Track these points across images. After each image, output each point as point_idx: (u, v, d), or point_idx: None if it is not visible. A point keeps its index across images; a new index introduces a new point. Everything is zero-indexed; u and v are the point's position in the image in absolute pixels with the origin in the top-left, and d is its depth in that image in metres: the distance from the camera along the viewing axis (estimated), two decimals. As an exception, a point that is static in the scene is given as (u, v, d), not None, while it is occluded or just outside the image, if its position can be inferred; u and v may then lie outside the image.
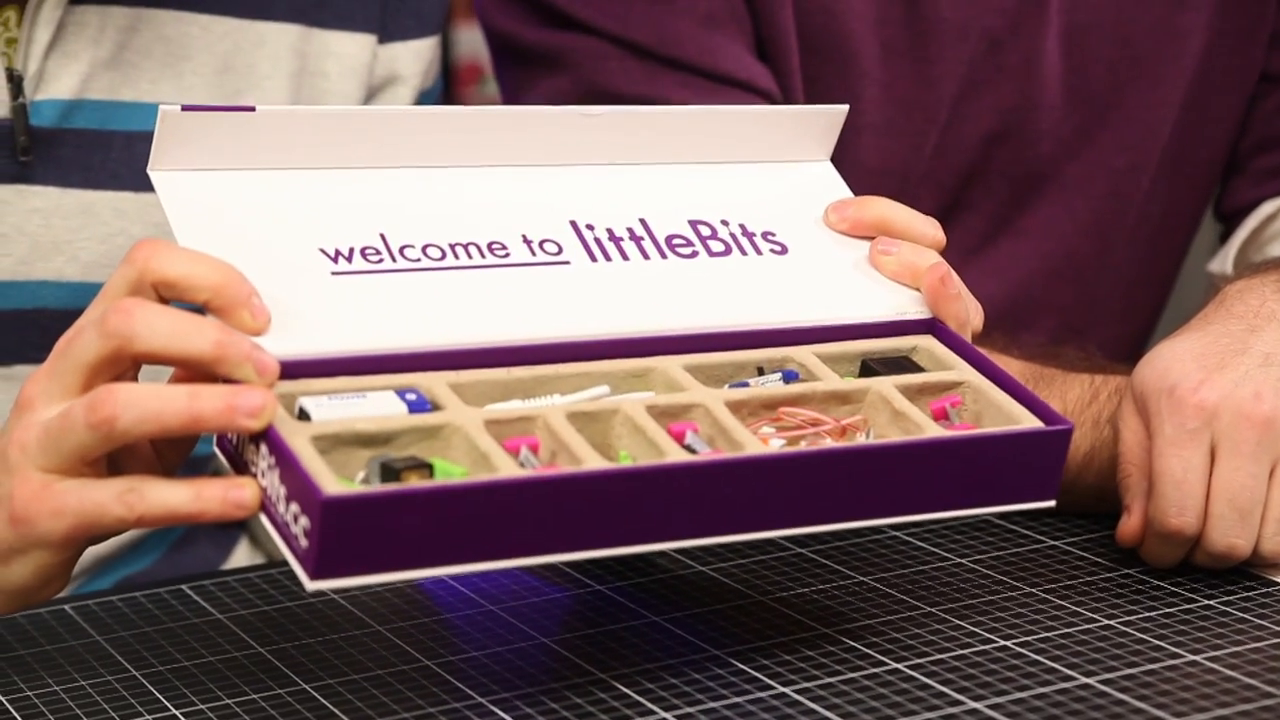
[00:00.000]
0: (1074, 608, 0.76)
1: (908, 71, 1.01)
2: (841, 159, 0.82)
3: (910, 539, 0.84)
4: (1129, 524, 0.80)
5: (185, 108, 0.68)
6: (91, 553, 0.92)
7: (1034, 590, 0.78)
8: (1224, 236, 1.11)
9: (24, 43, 0.85)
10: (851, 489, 0.67)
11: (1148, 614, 0.75)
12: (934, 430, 0.69)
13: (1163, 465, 0.77)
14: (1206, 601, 0.76)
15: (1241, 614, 0.75)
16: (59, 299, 0.88)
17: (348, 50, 0.95)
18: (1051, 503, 0.70)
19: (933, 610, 0.76)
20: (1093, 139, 1.05)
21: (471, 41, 2.24)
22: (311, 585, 0.60)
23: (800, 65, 1.00)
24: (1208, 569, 0.79)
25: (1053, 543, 0.84)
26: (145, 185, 0.68)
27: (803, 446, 0.68)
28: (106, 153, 0.88)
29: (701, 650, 0.72)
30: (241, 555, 1.01)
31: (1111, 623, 0.74)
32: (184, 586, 0.80)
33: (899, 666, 0.70)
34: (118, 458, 0.67)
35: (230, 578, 0.80)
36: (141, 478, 0.64)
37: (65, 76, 0.87)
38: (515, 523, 0.62)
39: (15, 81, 0.85)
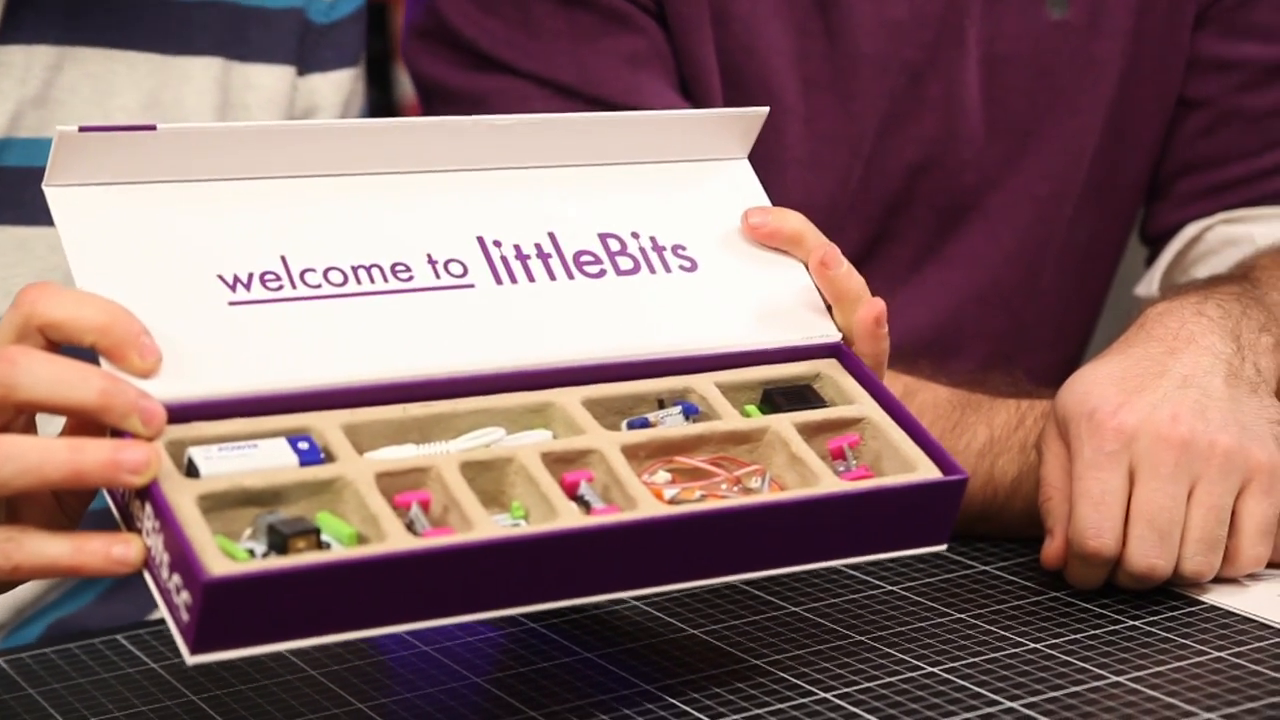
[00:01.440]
0: (1001, 632, 0.77)
1: (830, 105, 1.02)
2: (768, 193, 0.82)
3: (842, 568, 0.85)
4: (1051, 547, 0.81)
5: (83, 128, 0.67)
6: (20, 598, 0.92)
7: (963, 615, 0.79)
8: (1150, 260, 1.13)
9: None
10: (743, 543, 0.67)
11: (1074, 636, 0.76)
12: (829, 479, 0.69)
13: (1082, 488, 0.78)
14: (1131, 622, 0.77)
15: (1165, 634, 0.76)
16: None
17: (267, 83, 0.96)
18: (943, 546, 0.71)
19: (862, 639, 0.77)
20: (1015, 168, 1.06)
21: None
22: (191, 660, 0.60)
23: (724, 102, 1.01)
24: (1131, 590, 0.80)
25: (982, 568, 0.85)
26: None
27: (697, 497, 0.68)
28: (37, 189, 0.88)
29: (633, 685, 0.73)
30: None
31: (1038, 646, 0.75)
32: (118, 636, 0.80)
33: (828, 697, 0.71)
34: (15, 503, 0.66)
35: (164, 626, 0.80)
36: (22, 528, 0.64)
37: None
38: (400, 592, 0.62)
39: None
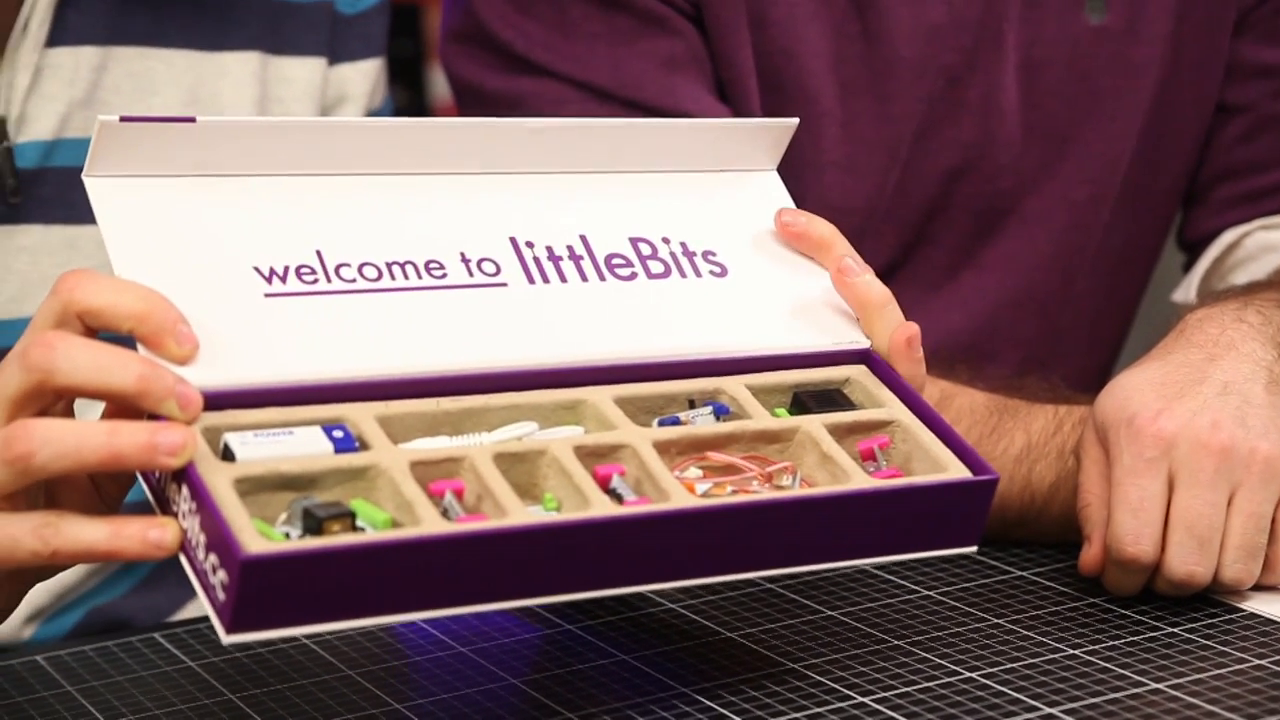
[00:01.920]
0: (1039, 637, 0.77)
1: (867, 109, 1.02)
2: (804, 197, 0.82)
3: (878, 572, 0.85)
4: (1089, 553, 0.80)
5: (124, 118, 0.67)
6: (61, 584, 0.92)
7: (1000, 621, 0.79)
8: (1187, 266, 1.13)
9: (5, 87, 0.87)
10: (775, 538, 0.67)
11: (1112, 642, 0.76)
12: (860, 477, 0.69)
13: (1120, 494, 0.78)
14: (1170, 629, 0.77)
15: (1205, 640, 0.76)
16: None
17: (301, 75, 0.97)
18: (974, 548, 0.71)
19: (900, 643, 0.76)
20: (1053, 172, 1.06)
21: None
22: (227, 639, 0.60)
23: (761, 105, 1.01)
24: (1170, 596, 0.80)
25: (1020, 573, 0.84)
26: None
27: (728, 493, 0.68)
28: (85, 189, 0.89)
29: (670, 688, 0.73)
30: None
31: (1076, 652, 0.75)
32: (156, 634, 0.80)
33: (866, 701, 0.71)
34: (55, 491, 0.67)
35: (202, 624, 0.81)
36: (60, 513, 0.64)
37: (44, 117, 0.89)
38: (433, 577, 0.62)
39: (0, 126, 0.87)
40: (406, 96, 2.14)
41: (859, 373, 0.74)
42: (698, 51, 1.00)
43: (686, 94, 0.99)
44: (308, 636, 0.78)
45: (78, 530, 0.63)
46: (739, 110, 1.01)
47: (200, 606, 0.98)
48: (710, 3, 0.99)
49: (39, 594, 0.69)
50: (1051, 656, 0.74)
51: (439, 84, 2.31)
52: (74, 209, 0.89)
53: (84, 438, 0.62)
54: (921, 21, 1.01)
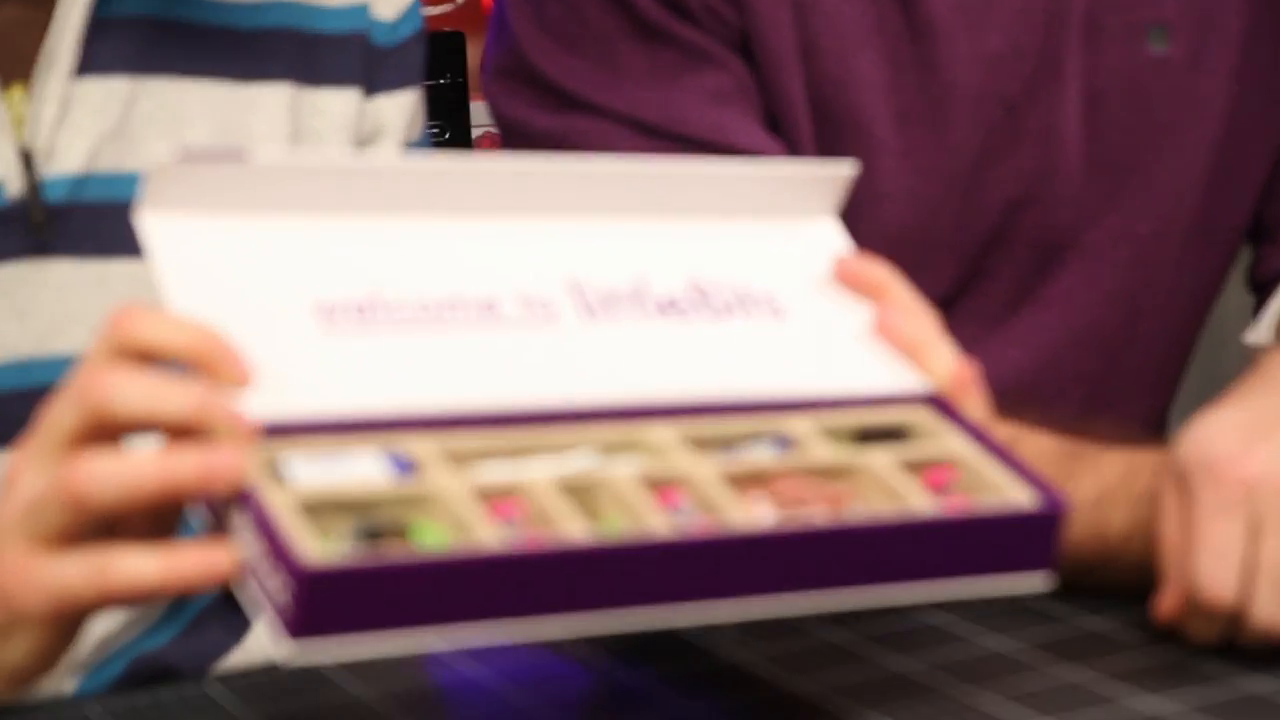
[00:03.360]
0: (1109, 694, 0.74)
1: (924, 139, 1.00)
2: (861, 228, 0.81)
3: (943, 624, 0.82)
4: (1167, 600, 0.78)
5: (176, 153, 0.67)
6: (100, 635, 0.91)
7: (1074, 672, 0.76)
8: (1258, 306, 1.10)
9: (32, 119, 0.86)
10: (840, 564, 0.66)
11: (1186, 697, 0.73)
12: (926, 506, 0.68)
13: (1201, 538, 0.76)
14: (1248, 687, 0.75)
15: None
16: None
17: (336, 107, 0.96)
18: (1049, 582, 0.69)
19: (968, 699, 0.74)
20: (1115, 206, 1.04)
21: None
22: (290, 655, 0.59)
23: (814, 136, 0.99)
24: (1254, 650, 0.77)
25: (1092, 625, 0.82)
26: None
27: (792, 521, 0.67)
28: (116, 222, 0.88)
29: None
30: (258, 635, 1.00)
31: (1159, 710, 0.72)
32: (205, 683, 0.78)
33: (938, 760, 0.68)
34: (114, 527, 0.66)
35: (253, 673, 0.79)
36: (111, 552, 0.63)
37: (73, 151, 0.88)
38: (497, 593, 0.61)
39: (27, 158, 0.86)
40: (450, 128, 2.14)
41: (924, 414, 0.73)
42: (745, 84, 0.98)
43: (736, 127, 0.97)
44: (357, 683, 0.77)
45: (132, 569, 0.63)
46: (790, 141, 0.99)
47: (246, 652, 0.97)
48: (758, 34, 0.98)
49: (79, 647, 0.68)
50: (1133, 710, 0.72)
51: (480, 115, 2.30)
52: (104, 243, 0.88)
53: (140, 469, 0.62)
54: (980, 49, 0.99)
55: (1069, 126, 1.02)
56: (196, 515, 0.66)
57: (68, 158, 0.87)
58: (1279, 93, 1.05)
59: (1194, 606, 0.77)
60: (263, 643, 0.99)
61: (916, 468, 0.71)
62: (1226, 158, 1.05)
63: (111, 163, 0.88)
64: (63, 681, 0.90)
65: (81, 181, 0.88)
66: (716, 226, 0.77)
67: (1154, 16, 1.02)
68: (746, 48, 0.98)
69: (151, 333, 0.64)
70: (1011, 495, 0.69)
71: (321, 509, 0.63)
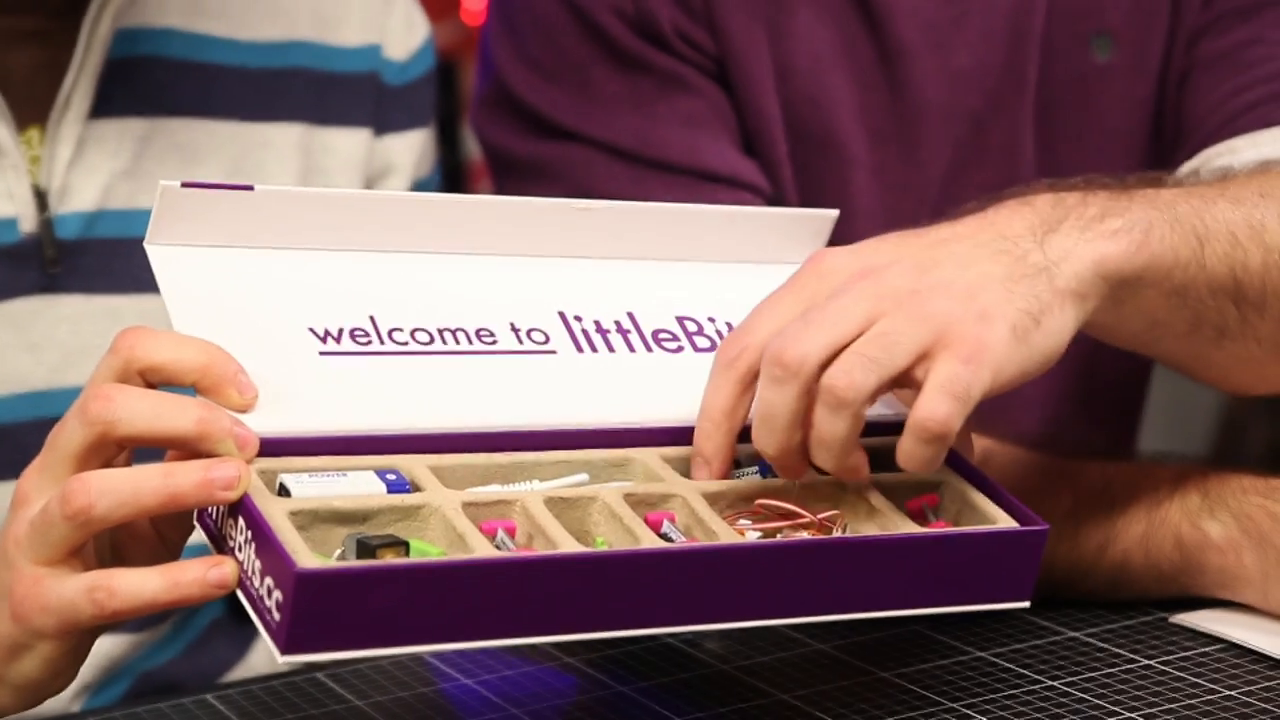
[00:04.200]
0: (1096, 700, 0.76)
1: (896, 155, 1.02)
2: (835, 244, 0.82)
3: (929, 633, 0.84)
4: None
5: (185, 184, 0.69)
6: (109, 655, 0.92)
7: (1054, 684, 0.78)
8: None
9: (47, 160, 0.88)
10: (826, 581, 0.68)
11: (1169, 706, 0.75)
12: (909, 528, 0.70)
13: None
14: (1227, 692, 0.77)
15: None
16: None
17: (346, 146, 0.98)
18: (1026, 603, 0.71)
19: (954, 706, 0.76)
20: None
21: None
22: (282, 659, 0.61)
23: (789, 155, 1.01)
24: (1227, 663, 0.79)
25: (1072, 634, 0.84)
26: None
27: (778, 539, 0.69)
28: (129, 259, 0.90)
29: (726, 751, 0.72)
30: (261, 650, 1.02)
31: (1134, 716, 0.74)
32: (208, 696, 0.80)
33: (924, 764, 0.70)
34: (119, 541, 0.68)
35: (255, 686, 0.81)
36: (111, 571, 0.65)
37: (87, 189, 0.89)
38: (489, 603, 0.63)
39: (41, 197, 0.87)
40: (442, 155, 2.16)
41: None
42: (721, 107, 1.00)
43: (711, 151, 0.99)
44: (359, 694, 0.78)
45: (134, 587, 0.64)
46: (767, 160, 1.01)
47: (250, 668, 0.99)
48: (734, 54, 1.00)
49: (86, 667, 0.70)
50: (1110, 718, 0.74)
51: (473, 143, 2.32)
52: (116, 279, 0.90)
53: (140, 483, 0.64)
54: (947, 66, 1.01)
55: (1025, 138, 1.04)
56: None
57: (81, 196, 0.89)
58: (1189, 87, 1.04)
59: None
60: (266, 658, 1.01)
61: (899, 491, 0.73)
62: (1158, 155, 1.06)
63: (124, 200, 0.90)
64: (70, 703, 0.91)
65: (94, 219, 0.90)
66: (705, 266, 0.79)
67: (1099, 25, 1.04)
68: (721, 73, 1.01)
69: (156, 352, 0.66)
70: (991, 519, 0.71)
71: (318, 523, 0.64)
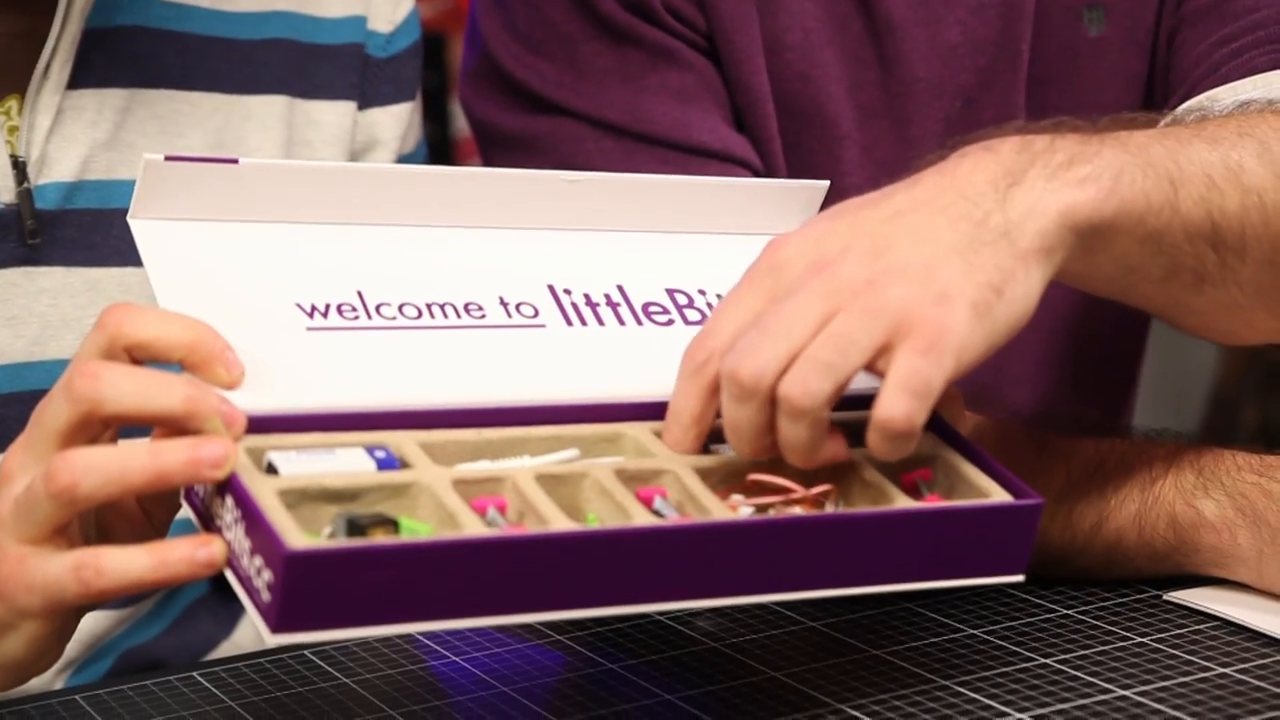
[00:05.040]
0: (1089, 678, 0.76)
1: (886, 132, 1.02)
2: None
3: (922, 610, 0.84)
4: None
5: (169, 157, 0.68)
6: (93, 631, 0.92)
7: (1048, 661, 0.78)
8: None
9: (25, 129, 0.87)
10: (819, 557, 0.68)
11: (1163, 683, 0.75)
12: (903, 502, 0.70)
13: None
14: (1221, 670, 0.76)
15: (1256, 682, 0.75)
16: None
17: (330, 119, 0.97)
18: (1020, 577, 0.70)
19: (946, 683, 0.76)
20: None
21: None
22: (272, 639, 0.60)
23: (779, 131, 1.01)
24: (1223, 638, 0.79)
25: (1065, 611, 0.84)
26: None
27: (771, 515, 0.68)
28: (108, 230, 0.89)
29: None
30: (246, 628, 1.01)
31: (1127, 693, 0.74)
32: (195, 674, 0.79)
33: (917, 742, 0.70)
34: (105, 520, 0.67)
35: (241, 663, 0.80)
36: (98, 550, 0.64)
37: (66, 159, 0.88)
38: (480, 581, 0.62)
39: (20, 167, 0.86)
40: (430, 129, 2.15)
41: None
42: (711, 82, 1.00)
43: (701, 125, 0.98)
44: (372, 671, 0.78)
45: (120, 565, 0.64)
46: (757, 136, 1.00)
47: (235, 645, 0.98)
48: (724, 30, 0.99)
49: (69, 644, 0.70)
50: (1102, 698, 0.74)
51: (459, 116, 2.31)
52: (96, 251, 0.89)
53: (127, 461, 0.63)
54: (937, 42, 1.01)
55: (1018, 115, 1.03)
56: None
57: (60, 166, 0.88)
58: (1176, 43, 1.03)
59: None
60: (251, 635, 1.00)
61: (893, 465, 0.72)
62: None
63: (104, 171, 0.89)
64: (53, 680, 0.91)
65: (73, 189, 0.89)
66: (694, 240, 0.78)
67: None
68: (711, 47, 1.00)
69: (142, 329, 0.65)
70: (986, 493, 0.71)
71: (306, 502, 0.64)
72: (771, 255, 0.72)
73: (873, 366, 0.68)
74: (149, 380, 0.64)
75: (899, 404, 0.67)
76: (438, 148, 2.15)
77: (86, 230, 0.89)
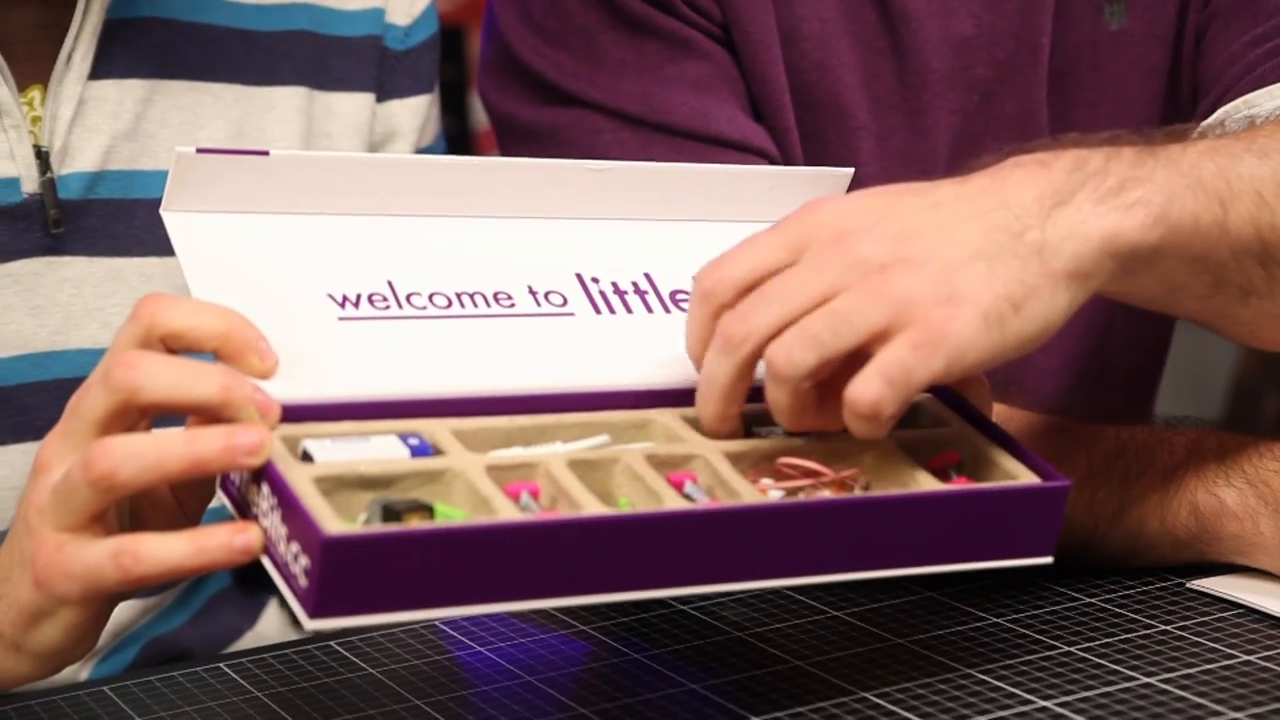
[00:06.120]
0: (1113, 666, 0.76)
1: (900, 123, 1.02)
2: None
3: (945, 599, 0.84)
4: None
5: (200, 150, 0.69)
6: (118, 621, 0.92)
7: (1071, 649, 0.78)
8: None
9: (48, 119, 0.87)
10: (848, 540, 0.68)
11: (1187, 671, 0.75)
12: (931, 484, 0.70)
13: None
14: (1245, 657, 0.76)
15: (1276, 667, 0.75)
16: (96, 366, 0.90)
17: (348, 110, 0.97)
18: (1049, 559, 0.70)
19: (971, 672, 0.76)
20: None
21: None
22: (310, 625, 0.61)
23: (796, 121, 1.01)
24: (1246, 627, 0.79)
25: (1089, 599, 0.84)
26: (169, 249, 0.70)
27: (801, 498, 0.68)
28: (130, 220, 0.90)
29: (739, 716, 0.72)
30: (270, 619, 1.02)
31: (1152, 680, 0.74)
32: (222, 665, 0.80)
33: (942, 730, 0.70)
34: (139, 509, 0.67)
35: (268, 654, 0.80)
36: (136, 536, 0.65)
37: (88, 150, 0.89)
38: (515, 566, 0.63)
39: (43, 158, 0.87)
40: (449, 122, 2.16)
41: (925, 399, 0.75)
42: (728, 72, 1.00)
43: (719, 115, 0.99)
44: (393, 659, 0.78)
45: (159, 551, 0.64)
46: (773, 126, 1.00)
47: (259, 636, 0.99)
48: (740, 20, 0.99)
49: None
50: (1126, 685, 0.74)
51: (481, 110, 2.31)
52: (118, 241, 0.90)
53: (164, 448, 0.64)
54: (950, 33, 1.01)
55: (1040, 109, 1.03)
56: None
57: (82, 156, 0.89)
58: (1206, 41, 1.03)
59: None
60: (275, 626, 1.01)
61: (920, 448, 0.72)
62: (1173, 123, 1.05)
63: (125, 161, 0.90)
64: (78, 670, 0.91)
65: (96, 179, 0.89)
66: (722, 226, 0.78)
67: None
68: (727, 37, 1.00)
69: (178, 319, 0.66)
70: (1013, 475, 0.71)
71: (342, 488, 0.64)
72: (805, 214, 0.71)
73: (865, 351, 0.68)
74: (185, 369, 0.65)
75: (870, 387, 0.67)
76: (457, 141, 2.15)
77: (109, 220, 0.90)
